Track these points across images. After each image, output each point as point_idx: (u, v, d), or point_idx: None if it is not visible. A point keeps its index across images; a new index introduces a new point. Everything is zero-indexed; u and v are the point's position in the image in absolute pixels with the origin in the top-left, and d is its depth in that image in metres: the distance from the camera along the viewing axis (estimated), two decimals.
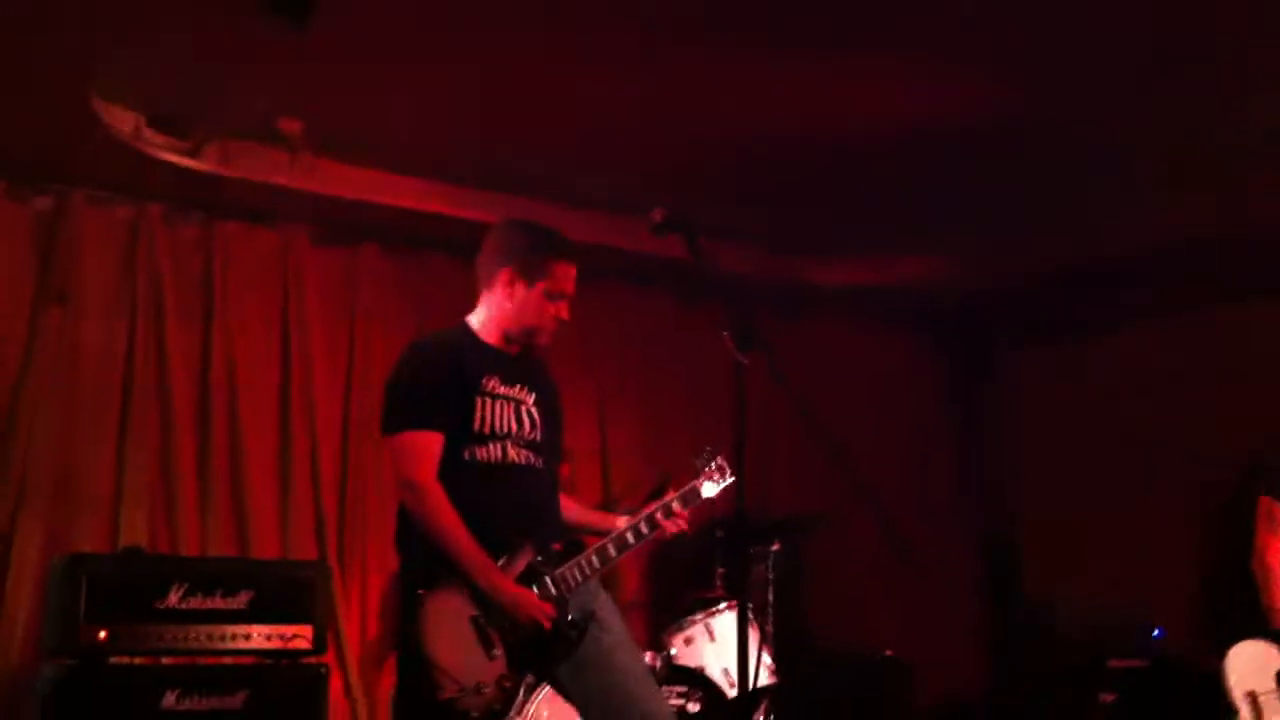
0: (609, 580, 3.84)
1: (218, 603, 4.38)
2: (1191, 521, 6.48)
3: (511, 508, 3.18)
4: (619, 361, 6.62)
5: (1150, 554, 6.50)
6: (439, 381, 3.17)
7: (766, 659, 5.02)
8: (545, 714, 4.47)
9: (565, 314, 3.32)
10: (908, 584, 6.39)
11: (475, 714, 2.99)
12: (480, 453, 3.17)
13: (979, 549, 7.53)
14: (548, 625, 3.07)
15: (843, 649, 6.22)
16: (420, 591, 3.04)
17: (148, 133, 4.99)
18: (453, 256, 5.76)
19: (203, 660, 4.37)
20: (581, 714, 3.25)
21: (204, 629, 4.34)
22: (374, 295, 5.98)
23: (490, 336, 3.32)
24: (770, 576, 5.25)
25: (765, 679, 5.00)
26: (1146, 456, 6.65)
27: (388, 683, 5.28)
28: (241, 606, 4.42)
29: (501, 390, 3.23)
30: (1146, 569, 6.43)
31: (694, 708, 4.74)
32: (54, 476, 5.16)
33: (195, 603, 4.34)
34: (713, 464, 3.35)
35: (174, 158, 5.11)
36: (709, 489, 3.34)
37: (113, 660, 4.24)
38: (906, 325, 7.54)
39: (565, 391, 3.51)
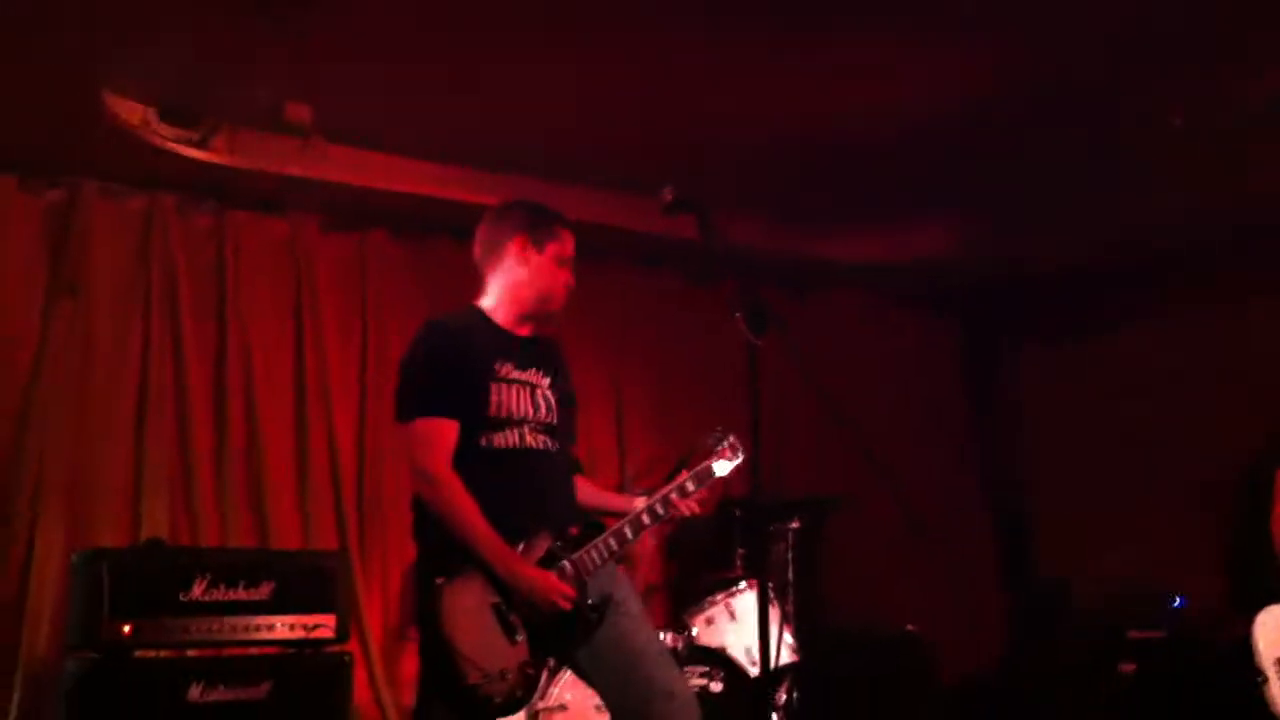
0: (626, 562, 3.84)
1: (241, 594, 4.37)
2: (1209, 490, 6.46)
3: (528, 494, 3.17)
4: (631, 343, 6.60)
5: (1167, 526, 6.47)
6: (453, 365, 3.16)
7: (788, 638, 5.04)
8: (568, 697, 4.50)
9: (573, 281, 3.35)
10: (924, 561, 6.39)
11: (499, 700, 2.99)
12: (497, 439, 3.16)
13: (994, 524, 7.52)
14: (568, 607, 3.07)
15: (862, 626, 6.22)
16: (439, 581, 3.04)
17: (157, 124, 4.99)
18: (461, 241, 5.71)
19: (226, 652, 4.37)
20: (601, 695, 3.25)
21: (228, 620, 4.33)
22: (384, 281, 5.98)
23: (503, 318, 3.31)
24: (790, 556, 5.26)
25: (787, 657, 5.02)
26: (1161, 434, 6.61)
27: (410, 669, 5.29)
28: (265, 597, 4.41)
29: (516, 375, 3.23)
30: (1163, 542, 6.41)
31: (717, 687, 4.75)
32: (71, 469, 5.17)
33: (219, 594, 4.33)
34: (725, 443, 3.35)
35: (183, 148, 5.10)
36: (722, 467, 3.33)
37: (137, 654, 4.24)
38: (921, 304, 7.52)
39: (577, 374, 3.51)
